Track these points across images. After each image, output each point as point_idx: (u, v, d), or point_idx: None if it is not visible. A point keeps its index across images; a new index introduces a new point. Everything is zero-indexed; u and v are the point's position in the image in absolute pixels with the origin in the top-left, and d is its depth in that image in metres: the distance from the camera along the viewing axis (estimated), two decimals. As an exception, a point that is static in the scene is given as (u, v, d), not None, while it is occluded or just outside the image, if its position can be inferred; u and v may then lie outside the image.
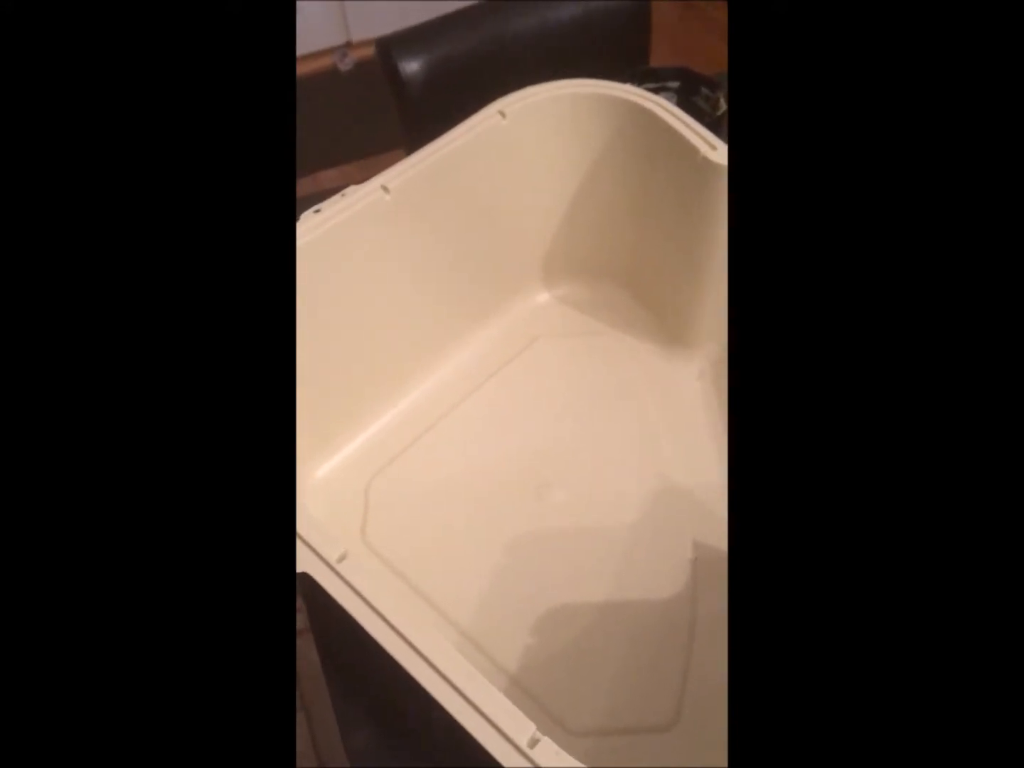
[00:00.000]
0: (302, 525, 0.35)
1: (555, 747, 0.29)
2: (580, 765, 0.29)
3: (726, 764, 0.42)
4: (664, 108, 0.54)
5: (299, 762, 0.78)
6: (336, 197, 0.50)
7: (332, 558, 0.34)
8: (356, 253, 0.51)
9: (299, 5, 1.44)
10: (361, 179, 0.51)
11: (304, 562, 0.35)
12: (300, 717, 0.84)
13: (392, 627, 0.31)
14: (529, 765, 0.28)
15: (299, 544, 0.35)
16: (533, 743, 0.29)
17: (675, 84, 0.72)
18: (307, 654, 0.47)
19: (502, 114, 0.54)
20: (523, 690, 0.45)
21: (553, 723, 0.44)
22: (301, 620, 0.48)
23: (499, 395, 0.60)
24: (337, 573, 0.33)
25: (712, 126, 0.54)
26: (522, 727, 0.29)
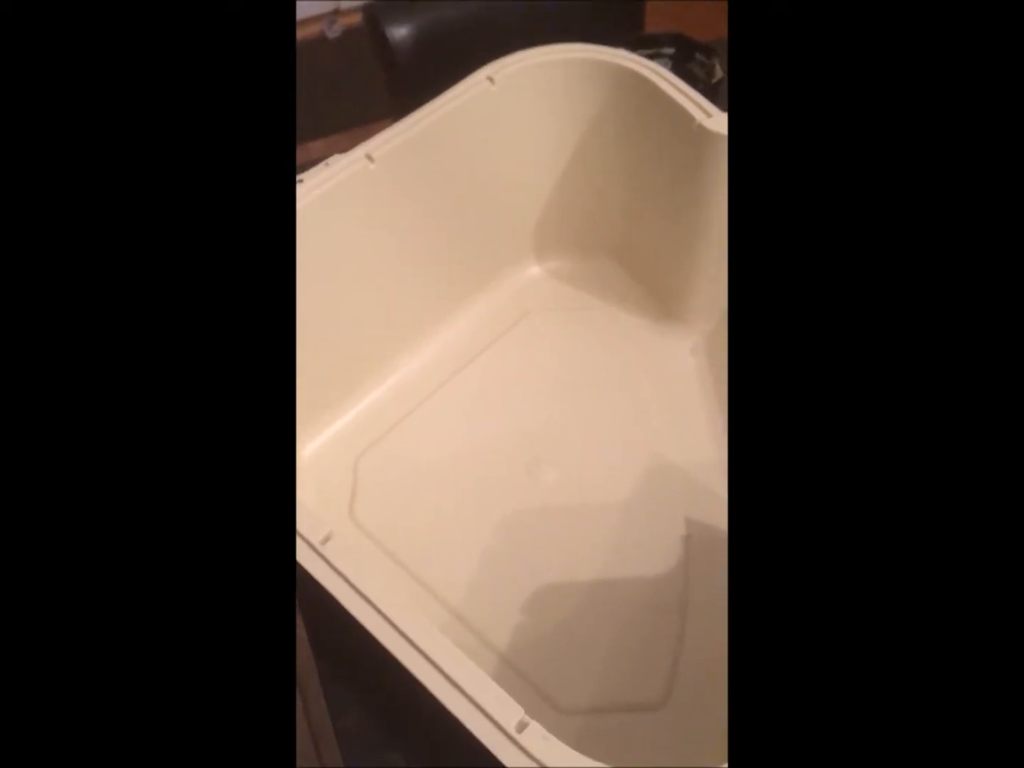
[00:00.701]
0: (285, 506, 0.34)
1: (543, 731, 0.28)
2: (568, 749, 0.28)
3: (717, 742, 0.42)
4: (659, 74, 0.52)
5: (297, 740, 0.78)
6: (319, 167, 0.48)
7: (316, 540, 0.33)
8: (340, 225, 0.50)
9: (285, -30, 1.40)
10: (349, 149, 0.50)
11: (288, 543, 0.34)
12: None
13: (378, 611, 0.31)
14: (517, 749, 0.28)
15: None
16: (521, 727, 0.28)
17: (670, 50, 0.71)
18: (300, 633, 0.46)
19: (491, 80, 0.53)
20: (514, 669, 0.45)
21: (544, 702, 0.44)
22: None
23: (489, 371, 0.59)
24: (321, 555, 0.33)
25: (707, 93, 0.52)
26: (510, 712, 0.28)
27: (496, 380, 0.58)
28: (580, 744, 0.34)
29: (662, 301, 0.61)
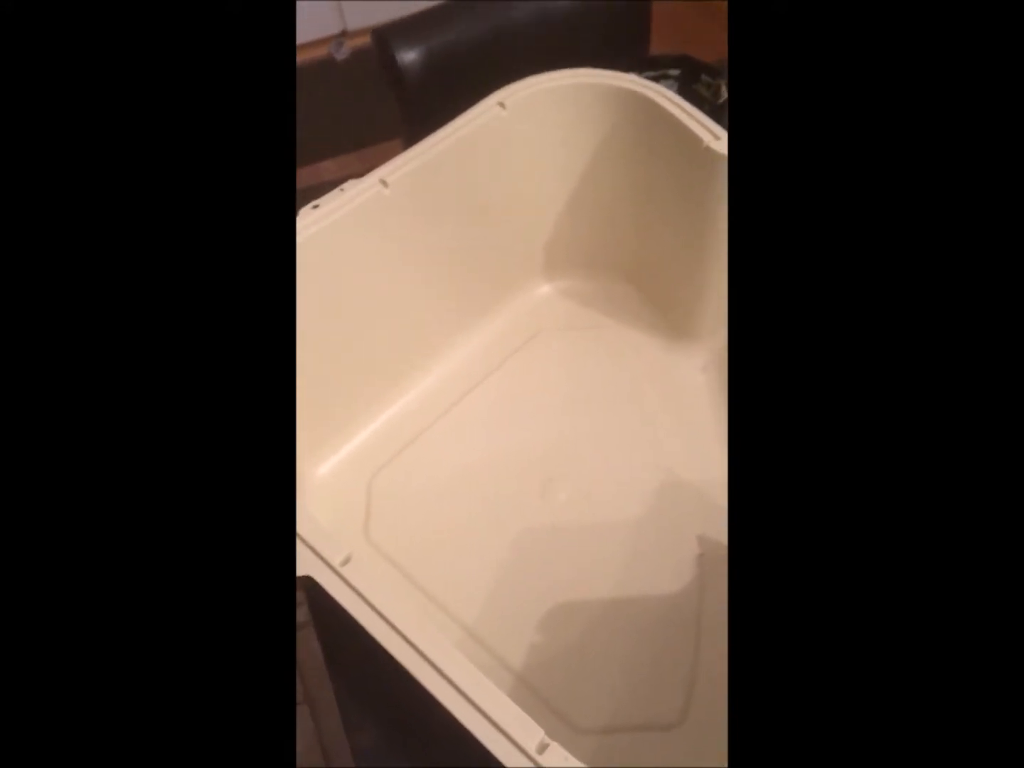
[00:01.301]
0: (304, 527, 0.35)
1: (564, 752, 0.28)
2: (589, 770, 0.28)
3: (734, 761, 0.42)
4: (666, 97, 0.53)
5: (306, 756, 0.78)
6: (335, 192, 0.49)
7: (336, 561, 0.34)
8: (356, 248, 0.50)
9: (294, -6, 1.42)
10: (360, 169, 0.50)
11: (307, 565, 0.34)
12: (304, 711, 0.84)
13: (399, 633, 0.31)
14: (538, 771, 0.28)
15: (301, 546, 0.35)
16: (542, 748, 0.29)
17: (676, 72, 0.71)
18: (312, 647, 0.46)
19: (502, 105, 0.54)
20: (529, 688, 0.45)
21: (559, 721, 0.44)
22: (303, 613, 0.48)
23: (501, 390, 0.59)
24: (342, 577, 0.33)
25: (713, 114, 0.53)
26: (531, 732, 0.29)
27: (508, 399, 0.59)
28: (596, 764, 0.34)
29: (672, 319, 0.62)
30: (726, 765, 0.41)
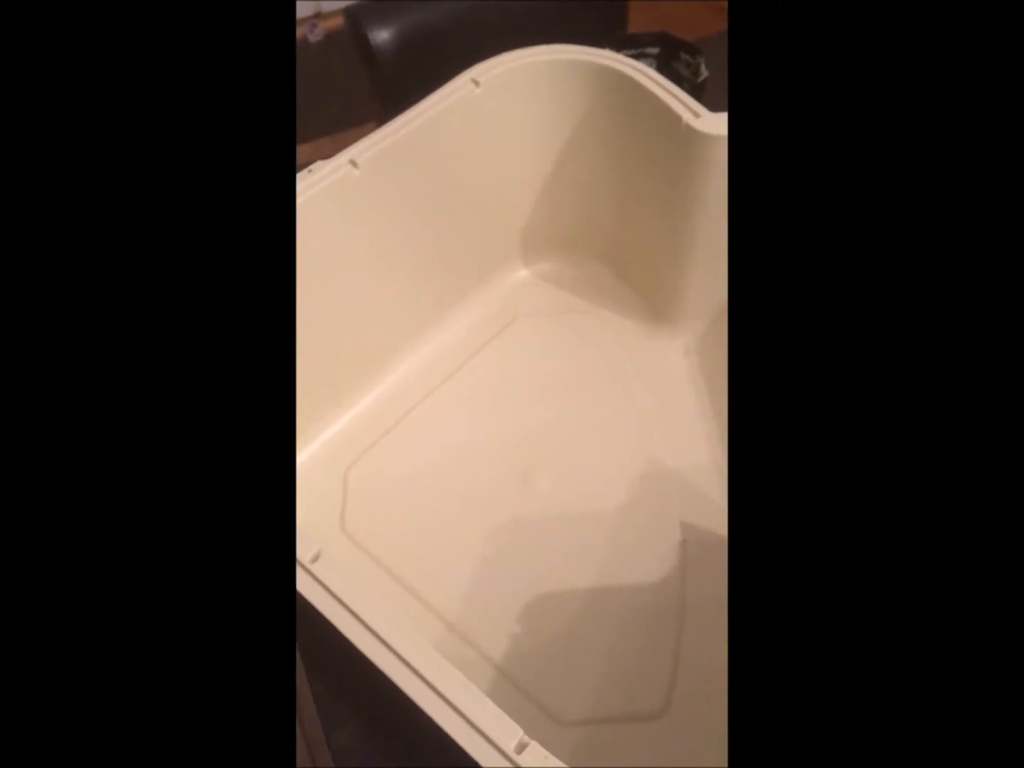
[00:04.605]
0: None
1: (544, 752, 0.27)
2: (569, 768, 0.27)
3: (717, 749, 0.41)
4: (645, 74, 0.51)
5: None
6: (303, 172, 0.47)
7: (306, 558, 0.32)
8: (325, 231, 0.49)
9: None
10: (334, 153, 0.49)
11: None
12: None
13: (372, 631, 0.30)
14: (516, 771, 0.27)
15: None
16: (521, 748, 0.28)
17: (655, 50, 0.70)
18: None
19: (476, 83, 0.52)
20: (511, 681, 0.44)
21: (542, 714, 0.43)
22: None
23: (480, 377, 0.58)
24: (311, 574, 0.32)
25: (693, 92, 0.52)
26: (509, 732, 0.28)
27: (486, 386, 0.58)
28: (580, 756, 0.33)
29: (652, 302, 0.60)
30: (709, 753, 0.41)
